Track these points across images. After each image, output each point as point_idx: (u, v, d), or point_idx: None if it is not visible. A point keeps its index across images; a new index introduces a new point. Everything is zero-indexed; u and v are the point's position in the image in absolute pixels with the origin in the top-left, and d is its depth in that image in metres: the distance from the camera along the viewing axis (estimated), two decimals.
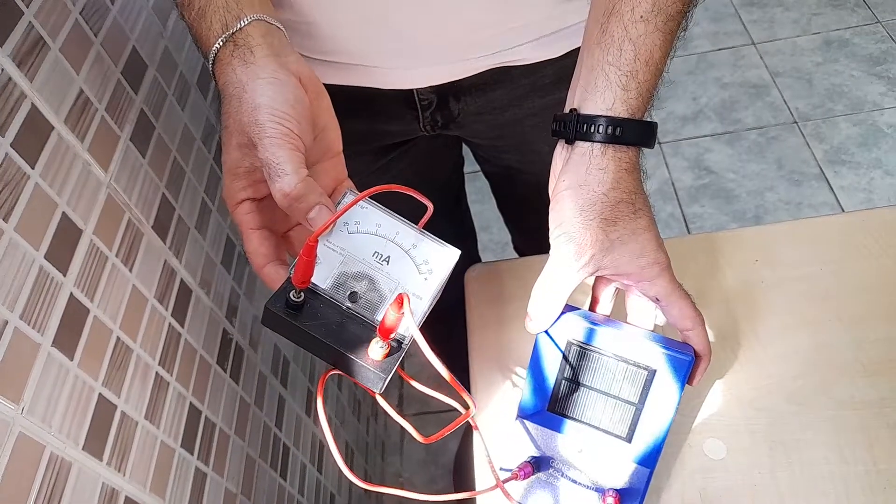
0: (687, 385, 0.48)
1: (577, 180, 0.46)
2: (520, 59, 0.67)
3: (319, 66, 0.64)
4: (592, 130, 0.45)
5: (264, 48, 0.45)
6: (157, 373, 0.59)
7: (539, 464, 0.50)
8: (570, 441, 0.50)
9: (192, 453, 0.62)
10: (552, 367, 0.49)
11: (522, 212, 0.96)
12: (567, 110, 0.48)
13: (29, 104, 0.48)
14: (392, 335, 0.42)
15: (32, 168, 0.47)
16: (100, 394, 0.50)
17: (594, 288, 0.52)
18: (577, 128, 0.46)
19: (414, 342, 0.41)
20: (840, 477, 0.53)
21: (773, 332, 0.62)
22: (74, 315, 0.49)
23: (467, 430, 1.31)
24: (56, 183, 0.49)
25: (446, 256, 0.46)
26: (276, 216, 0.48)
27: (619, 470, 0.49)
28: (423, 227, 0.47)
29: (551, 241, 0.47)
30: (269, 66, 0.45)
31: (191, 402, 0.64)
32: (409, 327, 0.41)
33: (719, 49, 2.07)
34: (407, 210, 0.48)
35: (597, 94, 0.46)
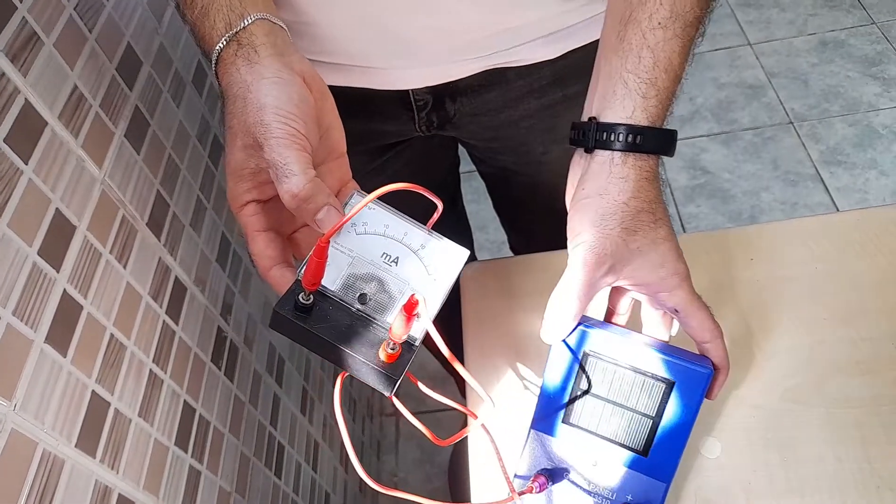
0: (705, 399, 0.47)
1: (597, 189, 0.45)
2: (516, 60, 0.67)
3: (315, 67, 0.64)
4: (612, 139, 0.45)
5: (268, 47, 0.45)
6: (150, 370, 0.59)
7: (553, 476, 0.49)
8: (584, 453, 0.49)
9: (185, 451, 0.62)
10: (567, 378, 0.48)
11: (518, 213, 0.95)
12: (585, 119, 0.48)
13: (22, 100, 0.48)
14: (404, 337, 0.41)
15: (26, 164, 0.47)
16: (93, 391, 0.50)
17: (610, 299, 0.52)
18: (596, 136, 0.45)
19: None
20: (834, 475, 0.53)
21: (768, 330, 0.62)
22: (68, 312, 0.49)
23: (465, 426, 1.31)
24: (50, 179, 0.49)
25: (455, 256, 0.45)
26: (282, 218, 0.47)
27: (635, 484, 0.48)
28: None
29: (570, 249, 0.46)
30: (274, 65, 0.44)
31: (185, 400, 0.64)
32: (429, 330, 0.40)
33: (716, 49, 2.07)
34: (407, 210, 0.47)
35: (616, 103, 0.45)
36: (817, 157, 1.77)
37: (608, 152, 0.45)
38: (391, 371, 0.41)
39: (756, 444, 0.56)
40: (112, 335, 0.54)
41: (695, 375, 0.46)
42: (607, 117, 0.46)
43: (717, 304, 0.64)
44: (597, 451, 0.49)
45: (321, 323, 0.42)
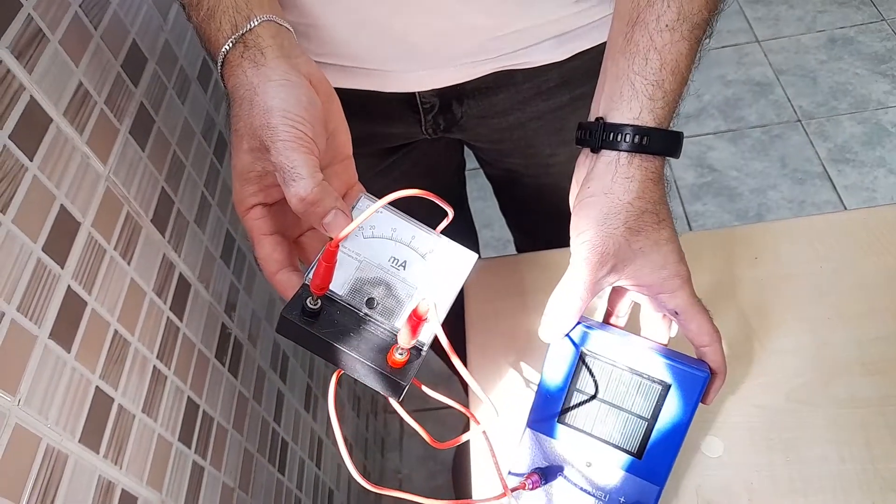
0: (701, 403, 0.47)
1: (602, 188, 0.45)
2: (524, 62, 0.66)
3: (322, 69, 0.64)
4: (619, 139, 0.45)
5: (275, 49, 0.44)
6: (154, 366, 0.59)
7: (547, 474, 0.49)
8: (579, 453, 0.49)
9: (189, 447, 0.63)
10: (564, 378, 0.48)
11: (524, 214, 0.95)
12: (592, 119, 0.48)
13: (28, 96, 0.48)
14: (412, 342, 0.41)
15: (31, 160, 0.47)
16: (97, 386, 0.50)
17: (610, 300, 0.52)
18: (602, 136, 0.45)
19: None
20: (838, 476, 0.53)
21: (773, 329, 0.62)
22: (72, 308, 0.49)
23: (466, 428, 1.31)
24: (54, 175, 0.49)
25: (464, 260, 0.45)
26: (288, 221, 0.47)
27: (628, 486, 0.48)
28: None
29: (572, 248, 0.46)
30: (281, 67, 0.44)
31: (189, 396, 0.64)
32: (438, 335, 0.40)
33: (723, 46, 2.06)
34: (413, 212, 0.47)
35: (623, 104, 0.45)
36: (825, 155, 1.76)
37: (614, 152, 0.45)
38: (399, 377, 0.41)
39: (759, 443, 0.56)
40: (116, 331, 0.54)
41: (691, 379, 0.46)
42: (614, 118, 0.46)
43: (721, 302, 0.64)
44: (591, 452, 0.49)
45: (329, 328, 0.42)
